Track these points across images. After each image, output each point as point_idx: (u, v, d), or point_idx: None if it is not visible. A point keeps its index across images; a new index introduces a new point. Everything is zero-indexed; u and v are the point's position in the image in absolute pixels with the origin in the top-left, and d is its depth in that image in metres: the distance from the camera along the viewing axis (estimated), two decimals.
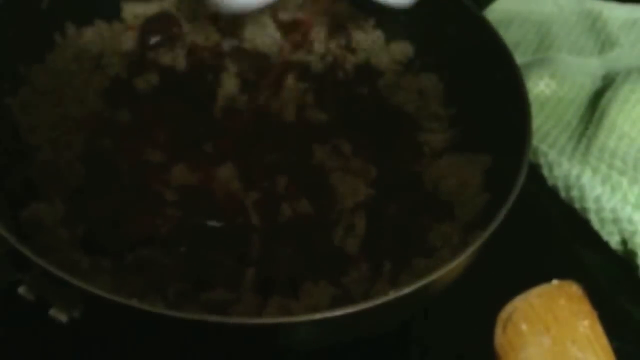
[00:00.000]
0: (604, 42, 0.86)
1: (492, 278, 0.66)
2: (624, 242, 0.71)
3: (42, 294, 0.51)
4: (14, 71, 0.70)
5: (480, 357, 0.61)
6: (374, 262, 0.61)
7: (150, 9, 0.78)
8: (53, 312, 0.50)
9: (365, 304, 0.50)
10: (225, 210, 0.64)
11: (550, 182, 0.75)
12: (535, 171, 0.76)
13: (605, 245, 0.72)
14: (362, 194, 0.67)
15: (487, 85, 0.70)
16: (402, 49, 0.79)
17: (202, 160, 0.67)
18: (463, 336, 0.64)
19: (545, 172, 0.75)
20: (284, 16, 0.79)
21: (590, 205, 0.72)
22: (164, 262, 0.60)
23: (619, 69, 0.80)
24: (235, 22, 0.78)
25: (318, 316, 0.50)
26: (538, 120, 0.77)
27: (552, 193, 0.75)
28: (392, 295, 0.51)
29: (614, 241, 0.71)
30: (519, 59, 0.70)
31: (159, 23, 0.77)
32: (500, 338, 0.60)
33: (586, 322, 0.61)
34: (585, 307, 0.62)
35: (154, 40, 0.76)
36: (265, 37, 0.78)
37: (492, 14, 0.88)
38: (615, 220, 0.71)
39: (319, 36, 0.79)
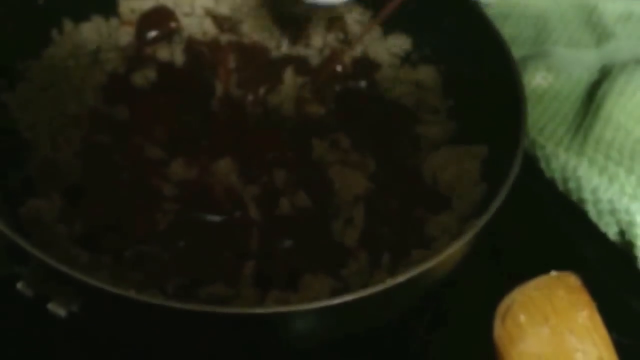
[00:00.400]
0: (600, 34, 0.86)
1: (491, 270, 0.66)
2: (621, 232, 0.71)
3: (40, 288, 0.51)
4: (11, 67, 0.70)
5: (479, 349, 0.61)
6: (372, 254, 0.62)
7: (147, 4, 0.78)
8: (52, 306, 0.50)
9: (363, 291, 0.50)
10: (224, 204, 0.64)
11: (547, 174, 0.75)
12: (533, 164, 0.76)
13: (603, 236, 0.72)
14: (361, 186, 0.67)
15: (483, 77, 0.70)
16: (400, 42, 0.79)
17: (201, 155, 0.67)
18: (462, 329, 0.64)
19: (542, 164, 0.75)
20: (281, 10, 0.79)
21: (588, 196, 0.72)
22: (163, 257, 0.60)
23: (615, 61, 0.80)
24: (232, 16, 0.78)
25: (316, 305, 0.50)
26: (535, 114, 0.77)
27: (549, 186, 0.75)
28: (389, 283, 0.51)
29: (611, 232, 0.72)
30: (516, 52, 0.70)
31: (156, 18, 0.77)
32: (499, 330, 0.61)
33: (585, 313, 0.61)
34: (584, 297, 0.62)
35: (151, 35, 0.76)
36: (263, 32, 0.78)
37: (490, 7, 0.88)
38: (613, 211, 0.71)
39: (316, 30, 0.79)
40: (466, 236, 0.54)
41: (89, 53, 0.75)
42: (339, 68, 0.77)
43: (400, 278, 0.51)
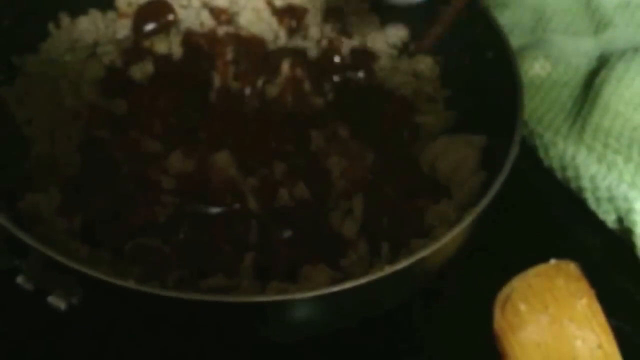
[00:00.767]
0: (599, 22, 0.85)
1: (490, 259, 0.66)
2: (620, 220, 0.71)
3: (40, 282, 0.51)
4: (9, 62, 0.71)
5: (480, 339, 0.61)
6: (372, 244, 0.62)
7: None
8: (52, 299, 0.51)
9: (363, 279, 0.50)
10: (223, 196, 0.64)
11: (546, 163, 0.75)
12: (531, 153, 0.76)
13: (601, 224, 0.72)
14: (360, 177, 0.67)
15: (481, 67, 0.70)
16: (398, 32, 0.79)
17: (199, 147, 0.67)
18: (462, 318, 0.64)
19: (541, 153, 0.75)
20: (279, 2, 0.79)
21: (586, 184, 0.72)
22: (163, 250, 0.60)
23: (613, 50, 0.80)
24: (230, 8, 0.78)
25: (316, 293, 0.50)
26: (533, 103, 0.77)
27: (548, 174, 0.75)
28: (388, 270, 0.51)
29: (610, 220, 0.72)
30: (514, 41, 0.70)
31: (153, 10, 0.77)
32: (499, 318, 0.61)
33: (584, 301, 0.61)
34: (583, 285, 0.62)
35: (148, 27, 0.76)
36: (260, 24, 0.78)
37: None
38: (611, 199, 0.71)
39: (314, 21, 0.79)
40: (464, 223, 0.55)
41: (86, 47, 0.75)
42: (337, 59, 0.77)
43: (399, 265, 0.51)
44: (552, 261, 0.64)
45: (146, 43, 0.75)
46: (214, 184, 0.65)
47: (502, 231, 0.67)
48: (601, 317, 0.61)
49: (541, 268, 0.63)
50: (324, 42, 0.77)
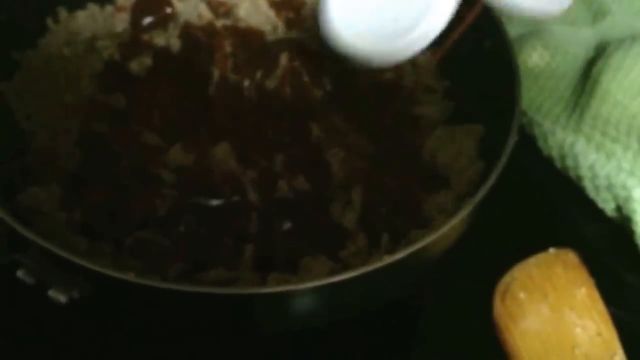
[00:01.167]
0: (597, 11, 0.85)
1: (489, 249, 0.66)
2: (618, 208, 0.71)
3: (41, 275, 0.51)
4: (7, 57, 0.71)
5: (480, 329, 0.62)
6: (371, 236, 0.62)
7: None
8: (52, 293, 0.51)
9: (362, 269, 0.51)
10: (223, 189, 0.64)
11: (545, 152, 0.75)
12: (530, 142, 0.76)
13: (600, 212, 0.72)
14: (359, 168, 0.67)
15: (479, 57, 0.70)
16: None
17: (199, 140, 0.67)
18: (462, 308, 0.64)
19: (540, 142, 0.75)
20: None
21: (585, 173, 0.72)
22: (163, 243, 0.60)
23: (611, 38, 0.80)
24: (227, 1, 0.78)
25: (316, 283, 0.50)
26: (532, 93, 0.78)
27: (547, 163, 0.75)
28: (387, 260, 0.51)
29: (609, 208, 0.72)
30: (513, 30, 0.70)
31: (151, 3, 0.76)
32: (499, 308, 0.61)
33: (583, 290, 0.61)
34: (582, 274, 0.63)
35: (146, 21, 0.76)
36: (258, 16, 0.78)
37: None
38: (610, 187, 0.71)
39: (312, 13, 0.79)
40: (462, 213, 0.55)
41: (84, 41, 0.74)
42: None
43: (398, 255, 0.51)
44: (551, 250, 0.64)
45: (144, 36, 0.75)
46: (213, 176, 0.65)
47: (501, 221, 0.67)
48: (600, 305, 0.61)
49: (540, 257, 0.64)
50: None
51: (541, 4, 0.68)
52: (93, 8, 0.76)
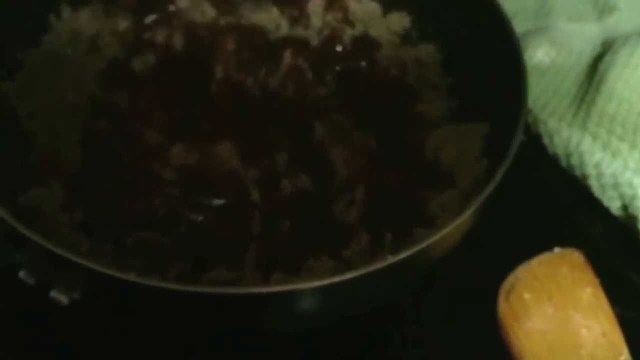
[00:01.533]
0: (603, 7, 0.85)
1: (494, 248, 0.66)
2: (624, 207, 0.70)
3: (42, 276, 0.51)
4: (10, 56, 0.70)
5: (484, 328, 0.61)
6: (374, 235, 0.61)
7: None
8: (54, 294, 0.51)
9: (365, 269, 0.50)
10: (225, 188, 0.64)
11: (550, 150, 0.75)
12: (535, 141, 0.75)
13: (606, 211, 0.72)
14: (362, 166, 0.66)
15: (484, 53, 0.70)
16: (400, 19, 0.78)
17: (201, 139, 0.67)
18: (466, 308, 0.64)
19: (545, 140, 0.75)
20: None
21: (591, 171, 0.72)
22: (164, 243, 0.60)
23: (617, 35, 0.79)
24: None
25: (320, 283, 0.50)
26: (537, 90, 0.77)
27: (553, 162, 0.75)
28: (391, 260, 0.51)
29: (614, 207, 0.71)
30: (518, 27, 0.69)
31: (154, 1, 0.76)
32: (503, 308, 0.61)
33: (589, 290, 0.61)
34: (588, 274, 0.62)
35: (149, 19, 0.76)
36: (262, 13, 0.78)
37: None
38: (616, 186, 0.70)
39: (315, 10, 0.78)
40: (467, 212, 0.54)
41: (87, 39, 0.74)
42: (339, 48, 0.76)
43: (402, 255, 0.51)
44: (557, 250, 0.64)
45: (147, 34, 0.75)
46: (215, 175, 0.65)
47: (505, 219, 0.66)
48: (606, 306, 0.60)
49: (545, 257, 0.63)
50: (326, 31, 0.77)
51: None
52: (96, 5, 0.76)
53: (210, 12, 0.77)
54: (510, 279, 0.62)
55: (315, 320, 0.58)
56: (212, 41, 0.75)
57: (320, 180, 0.66)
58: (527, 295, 0.61)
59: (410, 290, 0.63)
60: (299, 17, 0.78)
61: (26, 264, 0.51)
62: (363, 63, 0.75)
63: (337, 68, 0.75)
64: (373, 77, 0.74)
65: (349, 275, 0.49)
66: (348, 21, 0.78)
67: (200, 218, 0.62)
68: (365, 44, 0.77)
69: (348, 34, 0.77)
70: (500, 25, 0.69)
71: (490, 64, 0.69)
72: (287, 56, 0.74)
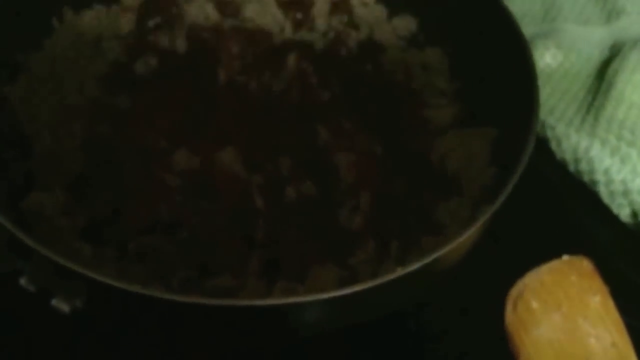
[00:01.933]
0: (611, 11, 0.84)
1: (502, 255, 0.65)
2: (634, 214, 0.70)
3: (43, 284, 0.50)
4: (12, 59, 0.70)
5: (492, 336, 0.60)
6: (381, 242, 0.61)
7: None
8: (55, 302, 0.50)
9: (373, 282, 0.49)
10: (229, 194, 0.63)
11: (558, 155, 0.74)
12: (543, 145, 0.74)
13: (615, 218, 0.71)
14: (368, 172, 0.66)
15: (492, 57, 0.69)
16: (406, 23, 0.78)
17: (204, 144, 0.66)
18: (474, 315, 0.63)
19: (553, 146, 0.74)
20: None
21: (600, 177, 0.71)
22: (168, 249, 0.59)
23: (626, 38, 0.79)
24: (234, 1, 0.77)
25: (325, 296, 0.49)
26: (544, 93, 0.76)
27: (560, 167, 0.74)
28: (400, 272, 0.50)
29: (624, 214, 0.70)
30: (525, 30, 0.69)
31: (157, 4, 0.76)
32: (511, 316, 0.60)
33: (597, 298, 0.60)
34: (597, 282, 0.61)
35: (153, 22, 0.75)
36: (266, 16, 0.77)
37: None
38: (626, 192, 0.70)
39: (320, 13, 0.78)
40: (478, 222, 0.53)
41: (90, 42, 0.74)
42: (343, 52, 0.76)
43: (411, 267, 0.50)
44: (565, 257, 0.63)
45: (150, 38, 0.74)
46: (219, 181, 0.64)
47: (513, 226, 0.65)
48: (615, 315, 0.59)
49: (554, 264, 0.62)
50: (331, 35, 0.77)
51: None
52: (99, 8, 0.76)
53: (214, 15, 0.76)
54: (518, 286, 0.61)
55: (317, 329, 0.57)
56: (215, 44, 0.74)
57: (325, 186, 0.65)
58: (535, 304, 0.60)
59: (417, 299, 0.63)
60: (304, 20, 0.78)
61: (27, 271, 0.51)
62: (368, 67, 0.75)
63: (342, 72, 0.74)
64: (378, 82, 0.74)
65: (356, 288, 0.48)
66: (353, 24, 0.77)
67: (204, 224, 0.61)
68: (370, 48, 0.76)
69: (353, 37, 0.77)
70: (509, 28, 0.68)
71: (498, 69, 0.68)
72: (291, 60, 0.73)
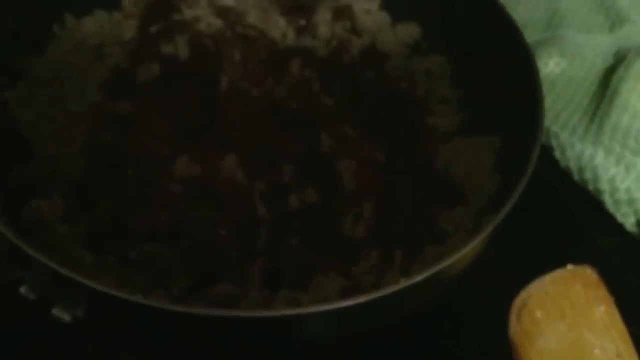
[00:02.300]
0: (614, 18, 0.84)
1: (506, 264, 0.65)
2: (639, 223, 0.69)
3: (44, 292, 0.50)
4: (13, 64, 0.70)
5: (496, 346, 0.60)
6: (384, 251, 0.60)
7: None
8: (56, 311, 0.49)
9: (377, 292, 0.49)
10: (231, 201, 0.63)
11: (563, 164, 0.74)
12: (547, 153, 0.74)
13: (620, 227, 0.70)
14: (371, 180, 0.65)
15: (496, 65, 0.69)
16: (409, 30, 0.77)
17: (206, 151, 0.66)
18: (477, 325, 0.62)
19: (557, 154, 0.74)
20: (288, 0, 0.78)
21: (604, 186, 0.70)
22: (169, 256, 0.59)
23: (630, 46, 0.78)
24: (237, 7, 0.77)
25: (328, 307, 0.49)
26: (548, 101, 0.76)
27: (565, 175, 0.73)
28: (404, 283, 0.49)
29: (629, 223, 0.70)
30: (528, 38, 0.69)
31: (159, 10, 0.76)
32: (515, 326, 0.59)
33: (602, 308, 0.60)
34: (601, 292, 0.61)
35: (154, 28, 0.75)
36: (269, 23, 0.77)
37: None
38: (630, 201, 0.69)
39: (323, 20, 0.78)
40: (484, 232, 0.53)
41: (91, 48, 0.74)
42: (346, 58, 0.75)
43: (415, 278, 0.49)
44: (569, 266, 0.62)
45: (152, 44, 0.74)
46: (221, 188, 0.64)
47: (517, 235, 0.65)
48: (620, 325, 0.59)
49: (558, 273, 0.62)
50: (334, 42, 0.76)
51: None
52: (100, 15, 0.76)
53: (216, 21, 0.76)
54: (523, 296, 0.60)
55: (318, 340, 0.57)
56: (218, 51, 0.74)
57: (328, 194, 0.65)
58: (539, 313, 0.59)
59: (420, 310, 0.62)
60: (306, 27, 0.77)
61: (28, 280, 0.50)
62: (371, 74, 0.74)
63: (345, 79, 0.74)
64: (382, 89, 0.73)
65: (359, 300, 0.48)
66: (356, 31, 0.77)
67: (205, 232, 0.61)
68: (373, 55, 0.76)
69: (356, 44, 0.76)
70: (512, 36, 0.68)
71: (501, 76, 0.68)
72: (294, 66, 0.73)
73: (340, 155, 0.67)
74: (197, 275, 0.58)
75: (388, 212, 0.63)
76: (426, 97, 0.73)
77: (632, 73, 0.73)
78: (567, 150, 0.73)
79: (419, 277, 0.49)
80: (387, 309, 0.52)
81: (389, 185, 0.65)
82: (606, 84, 0.75)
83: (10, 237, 0.50)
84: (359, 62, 0.75)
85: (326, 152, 0.67)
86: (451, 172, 0.66)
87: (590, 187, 0.72)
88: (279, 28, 0.77)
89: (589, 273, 0.62)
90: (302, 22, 0.77)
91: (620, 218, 0.70)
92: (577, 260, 0.62)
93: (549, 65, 0.78)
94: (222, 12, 0.76)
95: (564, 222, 0.72)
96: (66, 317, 0.50)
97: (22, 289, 0.51)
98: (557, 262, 0.62)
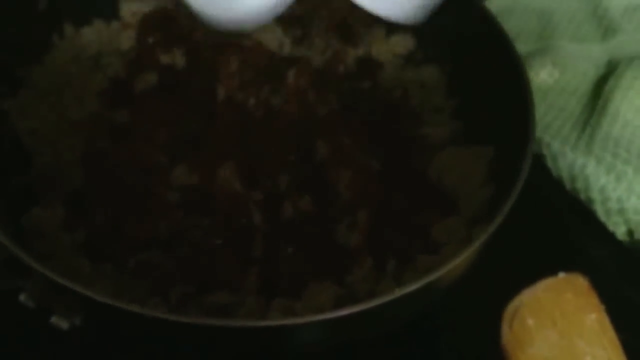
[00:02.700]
0: (607, 28, 0.85)
1: (498, 272, 0.65)
2: (630, 232, 0.70)
3: (43, 301, 0.50)
4: (12, 74, 0.70)
5: (487, 354, 0.60)
6: (378, 260, 0.61)
7: (148, 7, 0.77)
8: (55, 319, 0.50)
9: (370, 302, 0.49)
10: (227, 210, 0.63)
11: (554, 173, 0.74)
12: (539, 162, 0.75)
13: (611, 236, 0.71)
14: (366, 189, 0.66)
15: (489, 75, 0.69)
16: (403, 41, 0.78)
17: (203, 159, 0.67)
18: (469, 333, 0.63)
19: (549, 163, 0.74)
20: (284, 11, 0.78)
21: (596, 195, 0.71)
22: (166, 265, 0.59)
23: (622, 56, 0.79)
24: None
25: (322, 317, 0.49)
26: (541, 110, 0.76)
27: (557, 184, 0.74)
28: (398, 293, 0.50)
29: (620, 232, 0.71)
30: (521, 48, 0.69)
31: (157, 20, 0.76)
32: (507, 334, 0.60)
33: (593, 316, 0.60)
34: (593, 300, 0.61)
35: (152, 38, 0.76)
36: (265, 33, 0.77)
37: (493, 3, 0.87)
38: (621, 211, 0.70)
39: (319, 30, 0.78)
40: (478, 241, 0.53)
41: (90, 58, 0.74)
42: (341, 68, 0.76)
43: (409, 288, 0.50)
44: (561, 274, 0.63)
45: (150, 54, 0.75)
46: (218, 197, 0.64)
47: (509, 243, 0.65)
48: (611, 333, 0.60)
49: (549, 282, 0.62)
50: (329, 52, 0.77)
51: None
52: (99, 24, 0.76)
53: (213, 32, 0.76)
54: (515, 303, 0.61)
55: (310, 348, 0.57)
56: (214, 61, 0.75)
57: (322, 202, 0.65)
58: (530, 321, 0.60)
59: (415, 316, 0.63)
60: (303, 37, 0.78)
61: (27, 288, 0.51)
62: (366, 84, 0.75)
63: (340, 89, 0.75)
64: (376, 99, 0.74)
65: (353, 309, 0.49)
66: (351, 42, 0.78)
67: (202, 240, 0.61)
68: (368, 65, 0.76)
69: (351, 54, 0.77)
70: (504, 46, 0.68)
71: (494, 86, 0.68)
72: (290, 76, 0.74)
73: (336, 164, 0.67)
74: (194, 283, 0.59)
75: (382, 221, 0.63)
76: (420, 107, 0.73)
77: (623, 83, 0.74)
78: (559, 159, 0.73)
79: (413, 287, 0.50)
80: (380, 318, 0.52)
81: (383, 193, 0.66)
82: (598, 93, 0.76)
83: (9, 246, 0.51)
84: (354, 72, 0.76)
85: (321, 161, 0.68)
86: (444, 181, 0.67)
87: (582, 196, 0.72)
88: (276, 38, 0.77)
89: (580, 281, 0.62)
90: (298, 33, 0.78)
91: (611, 227, 0.71)
92: (569, 269, 0.63)
93: (541, 75, 0.79)
94: None
95: (556, 230, 0.72)
96: (64, 325, 0.50)
97: (22, 297, 0.51)
98: (549, 271, 0.62)
